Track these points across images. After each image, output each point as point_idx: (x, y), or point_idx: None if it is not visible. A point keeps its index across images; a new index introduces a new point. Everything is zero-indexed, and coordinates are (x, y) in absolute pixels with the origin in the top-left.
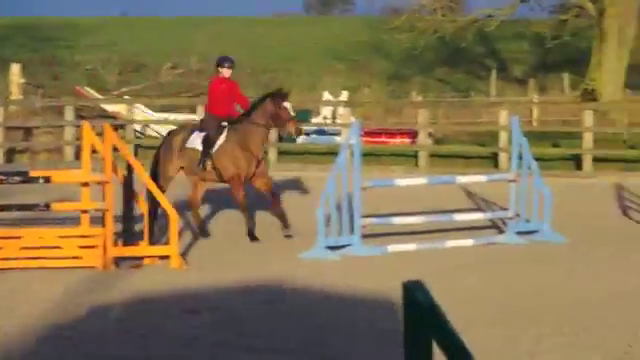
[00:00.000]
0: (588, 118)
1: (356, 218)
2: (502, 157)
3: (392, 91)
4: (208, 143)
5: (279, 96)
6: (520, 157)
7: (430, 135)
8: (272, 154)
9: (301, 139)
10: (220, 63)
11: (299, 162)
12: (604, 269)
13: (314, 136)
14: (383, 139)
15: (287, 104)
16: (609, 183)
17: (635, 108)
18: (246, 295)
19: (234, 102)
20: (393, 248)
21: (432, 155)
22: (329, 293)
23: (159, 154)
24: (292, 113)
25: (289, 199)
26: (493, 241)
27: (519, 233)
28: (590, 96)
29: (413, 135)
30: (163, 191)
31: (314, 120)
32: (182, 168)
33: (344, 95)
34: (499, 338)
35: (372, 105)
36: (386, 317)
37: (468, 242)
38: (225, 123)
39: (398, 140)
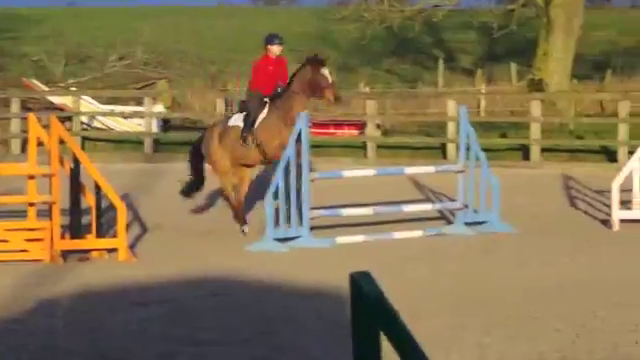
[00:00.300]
0: (535, 108)
1: (304, 210)
2: (450, 148)
3: (340, 82)
4: (249, 119)
5: (315, 62)
6: (468, 148)
7: (378, 126)
8: None
9: None
10: (269, 41)
11: None
12: (552, 259)
13: None
14: (331, 130)
15: (325, 70)
16: (556, 173)
17: (582, 98)
18: (194, 287)
19: (279, 82)
20: (342, 240)
21: (380, 146)
22: (277, 285)
23: (203, 149)
24: (330, 79)
25: None
26: (442, 232)
27: (467, 224)
28: (537, 86)
29: (361, 126)
30: (231, 186)
31: None
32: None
33: None
34: (448, 329)
35: None
36: (335, 308)
37: (417, 233)
38: (266, 99)
39: (346, 131)
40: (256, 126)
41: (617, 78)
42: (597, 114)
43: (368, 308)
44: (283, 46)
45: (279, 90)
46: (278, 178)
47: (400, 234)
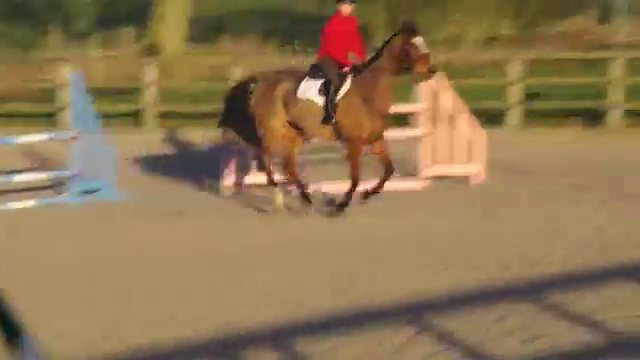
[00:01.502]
0: (150, 73)
1: None
2: (64, 115)
3: None
4: (330, 93)
5: (407, 30)
6: (82, 115)
7: None
8: None
9: None
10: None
11: None
12: (170, 228)
13: None
14: None
15: (418, 39)
16: (172, 138)
17: (196, 62)
18: None
19: (351, 49)
20: None
21: None
22: None
23: (251, 106)
24: (425, 50)
25: None
26: (54, 201)
27: (84, 192)
28: (152, 50)
29: None
30: (270, 151)
31: None
32: (289, 123)
33: None
34: (77, 302)
35: None
36: None
37: (29, 203)
38: (347, 69)
39: None
40: (336, 101)
41: (232, 41)
42: (213, 78)
43: None
44: (354, 5)
45: (355, 62)
46: None
47: (12, 204)
